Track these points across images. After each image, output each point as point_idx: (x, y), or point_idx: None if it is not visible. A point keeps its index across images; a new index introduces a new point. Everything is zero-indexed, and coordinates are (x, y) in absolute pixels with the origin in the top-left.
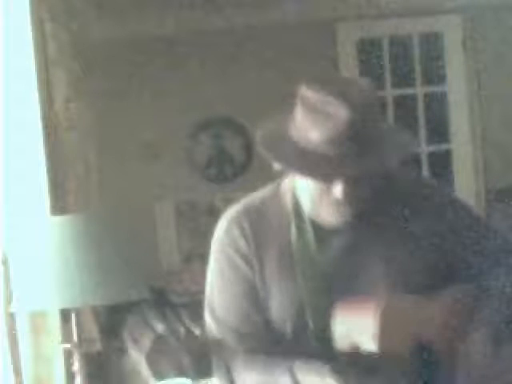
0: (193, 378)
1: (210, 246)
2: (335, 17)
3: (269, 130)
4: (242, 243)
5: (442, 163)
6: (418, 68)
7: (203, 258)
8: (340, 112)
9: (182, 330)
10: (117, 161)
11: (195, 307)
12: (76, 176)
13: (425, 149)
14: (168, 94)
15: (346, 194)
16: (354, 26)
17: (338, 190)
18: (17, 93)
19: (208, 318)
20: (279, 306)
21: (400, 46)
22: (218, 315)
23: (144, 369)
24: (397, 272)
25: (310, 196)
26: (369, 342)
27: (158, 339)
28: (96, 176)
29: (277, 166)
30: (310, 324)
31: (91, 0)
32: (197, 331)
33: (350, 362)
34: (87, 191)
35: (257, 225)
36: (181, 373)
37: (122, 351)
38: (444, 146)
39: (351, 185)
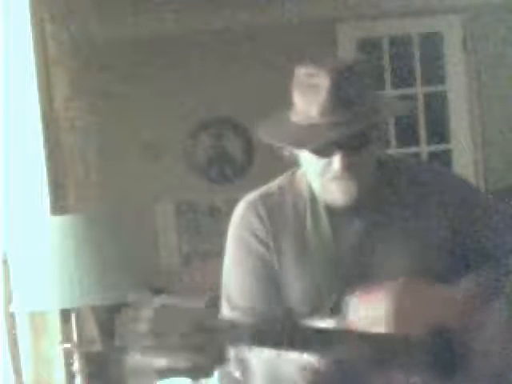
0: (193, 378)
1: (210, 246)
2: (335, 17)
3: (269, 119)
4: (259, 228)
5: (441, 163)
6: (418, 68)
7: (203, 258)
8: (322, 80)
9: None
10: (117, 161)
11: None
12: (76, 176)
13: (425, 149)
14: (168, 94)
15: (345, 166)
16: (354, 26)
17: (335, 161)
18: (17, 93)
19: (224, 304)
20: (296, 292)
21: (400, 45)
22: (234, 299)
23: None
24: (412, 257)
25: (316, 176)
26: (384, 324)
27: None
28: (96, 176)
29: (285, 151)
30: (327, 310)
31: (91, 0)
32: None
33: (364, 345)
34: (87, 191)
35: (273, 211)
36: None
37: (122, 351)
38: (444, 146)
39: (348, 156)
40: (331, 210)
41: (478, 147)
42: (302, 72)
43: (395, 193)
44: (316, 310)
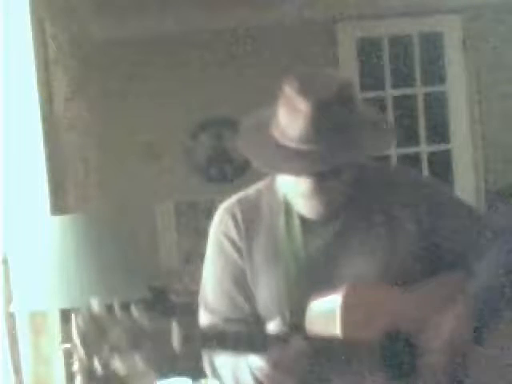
0: (193, 378)
1: None
2: (335, 17)
3: (250, 128)
4: (232, 231)
5: (441, 163)
6: (417, 68)
7: (203, 258)
8: (305, 109)
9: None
10: (117, 161)
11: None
12: (76, 176)
13: (425, 149)
14: (168, 94)
15: (313, 189)
16: (354, 26)
17: (305, 186)
18: (17, 93)
19: (200, 306)
20: (263, 296)
21: (400, 45)
22: (208, 301)
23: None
24: (378, 265)
25: (287, 190)
26: (335, 328)
27: (90, 317)
28: (96, 176)
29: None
30: (287, 315)
31: (91, 0)
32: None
33: (319, 348)
34: (87, 191)
35: (249, 214)
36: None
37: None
38: (444, 146)
39: (318, 181)
40: (304, 219)
41: (477, 147)
42: (288, 90)
43: (367, 202)
44: (281, 315)
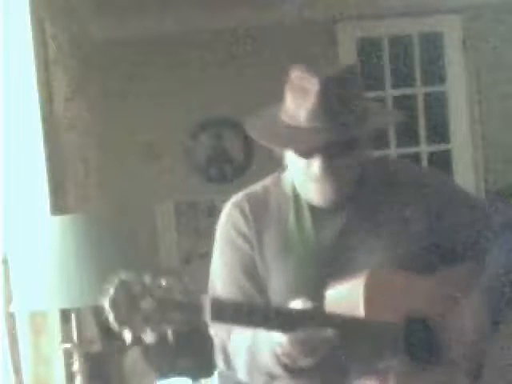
0: (193, 378)
1: (210, 246)
2: (335, 17)
3: (259, 115)
4: (242, 224)
5: (441, 163)
6: (417, 68)
7: (203, 258)
8: (313, 88)
9: (147, 278)
10: (117, 161)
11: None
12: (76, 176)
13: (425, 149)
14: (168, 94)
15: (323, 170)
16: (354, 26)
17: (315, 166)
18: (17, 93)
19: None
20: (276, 287)
21: (400, 45)
22: (218, 294)
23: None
24: (390, 254)
25: (298, 174)
26: (358, 312)
27: (121, 284)
28: (96, 176)
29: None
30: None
31: (91, 0)
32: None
33: (343, 330)
34: (87, 191)
35: (257, 208)
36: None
37: (122, 351)
38: (444, 146)
39: (328, 161)
40: (313, 208)
41: (477, 147)
42: (295, 73)
43: (375, 190)
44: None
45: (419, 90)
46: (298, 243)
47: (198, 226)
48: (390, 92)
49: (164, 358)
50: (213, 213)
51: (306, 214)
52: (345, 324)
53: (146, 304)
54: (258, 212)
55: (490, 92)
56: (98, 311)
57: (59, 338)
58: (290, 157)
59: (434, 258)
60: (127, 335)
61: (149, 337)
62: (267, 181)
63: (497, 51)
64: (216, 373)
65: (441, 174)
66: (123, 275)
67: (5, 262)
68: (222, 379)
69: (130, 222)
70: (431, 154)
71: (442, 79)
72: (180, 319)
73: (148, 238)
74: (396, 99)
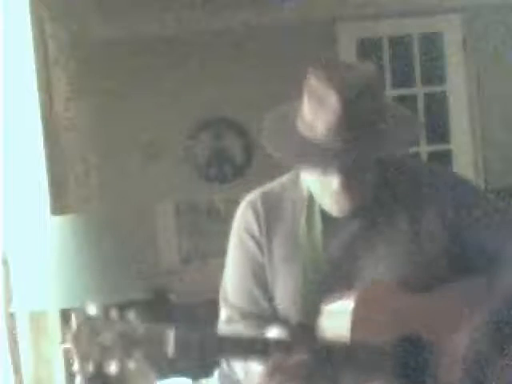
0: (193, 378)
1: (210, 246)
2: (335, 17)
3: (275, 119)
4: (254, 226)
5: (441, 163)
6: (417, 68)
7: (203, 257)
8: (334, 103)
9: (113, 312)
10: (117, 161)
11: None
12: (76, 176)
13: (425, 149)
14: (168, 94)
15: (341, 185)
16: (354, 26)
17: (334, 182)
18: (17, 93)
19: (221, 301)
20: (282, 293)
21: (400, 45)
22: (228, 297)
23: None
24: (400, 266)
25: (313, 186)
26: (347, 331)
27: (84, 319)
28: (96, 176)
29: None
30: (301, 313)
31: (91, 0)
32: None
33: (330, 350)
34: (87, 191)
35: (271, 209)
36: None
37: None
38: (444, 146)
39: (346, 177)
40: (326, 214)
41: (477, 147)
42: (313, 81)
43: (391, 200)
44: (300, 312)
45: (419, 90)
46: (306, 249)
47: (197, 226)
48: (390, 92)
49: (164, 358)
50: (212, 213)
51: (318, 219)
52: (327, 348)
53: (107, 338)
54: (271, 213)
55: (489, 92)
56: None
57: (59, 338)
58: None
59: (445, 272)
60: (90, 366)
61: (112, 368)
62: (285, 179)
63: (497, 51)
64: (216, 373)
65: (462, 180)
66: (89, 308)
67: (5, 262)
68: (222, 379)
69: (130, 222)
70: (431, 154)
71: (442, 79)
72: (142, 354)
73: (148, 238)
74: (396, 99)
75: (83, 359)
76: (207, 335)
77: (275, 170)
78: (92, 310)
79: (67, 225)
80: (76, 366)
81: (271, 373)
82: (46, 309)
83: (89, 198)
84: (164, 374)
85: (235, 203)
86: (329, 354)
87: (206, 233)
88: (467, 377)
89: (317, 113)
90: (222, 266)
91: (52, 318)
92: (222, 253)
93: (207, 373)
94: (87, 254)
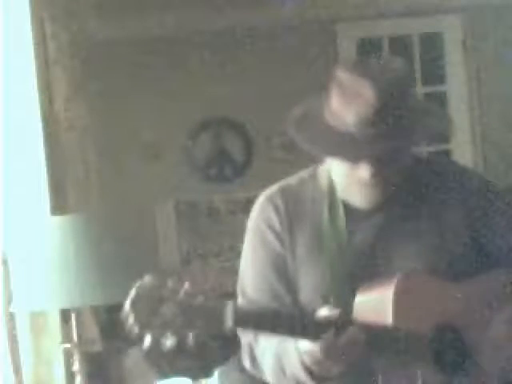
0: (193, 378)
1: (210, 246)
2: (335, 17)
3: (302, 113)
4: (275, 220)
5: None
6: (417, 68)
7: (203, 258)
8: (368, 93)
9: (170, 282)
10: (117, 161)
11: None
12: (76, 176)
13: (425, 148)
14: (168, 94)
15: (373, 175)
16: (354, 26)
17: (364, 171)
18: (17, 93)
19: (238, 296)
20: (306, 287)
21: (400, 45)
22: (247, 291)
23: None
24: (427, 259)
25: (341, 178)
26: (386, 320)
27: (144, 287)
28: (96, 176)
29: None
30: (329, 304)
31: (91, 0)
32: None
33: (371, 338)
34: (87, 191)
35: (291, 204)
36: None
37: (122, 351)
38: (444, 146)
39: (378, 166)
40: (348, 206)
41: (477, 147)
42: (343, 75)
43: (417, 193)
44: (325, 305)
45: (419, 90)
46: (330, 243)
47: (197, 226)
48: None
49: (164, 358)
50: (212, 213)
51: (341, 212)
52: (371, 332)
53: (168, 309)
54: (291, 208)
55: (490, 92)
56: (98, 311)
57: (59, 338)
58: (335, 162)
59: (472, 265)
60: (147, 339)
61: (169, 341)
62: (303, 174)
63: (497, 51)
64: (216, 373)
65: (485, 178)
66: (147, 278)
67: (5, 262)
68: (222, 379)
69: (130, 222)
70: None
71: (442, 79)
72: (201, 325)
73: (148, 238)
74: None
75: (142, 329)
76: (264, 309)
77: (275, 169)
78: (149, 278)
79: (67, 225)
80: (77, 366)
81: (325, 351)
82: (46, 309)
83: (89, 198)
84: (164, 374)
85: (235, 203)
86: (372, 339)
87: (205, 232)
88: (498, 367)
89: (347, 103)
90: (221, 266)
91: (52, 317)
92: (222, 253)
93: (207, 373)
94: (87, 254)
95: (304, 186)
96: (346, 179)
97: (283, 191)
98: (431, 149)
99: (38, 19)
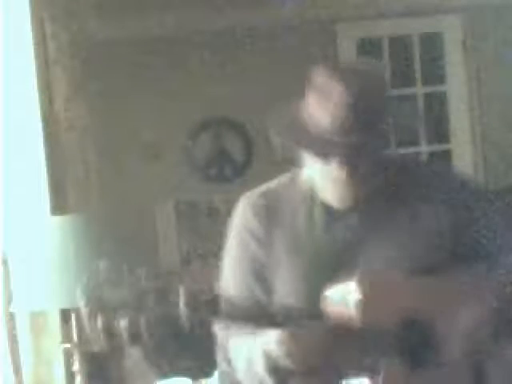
0: (193, 378)
1: (210, 246)
2: (335, 17)
3: (281, 113)
4: (254, 223)
5: (441, 163)
6: (417, 68)
7: (203, 258)
8: (341, 95)
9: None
10: (117, 161)
11: None
12: (76, 176)
13: (425, 149)
14: (168, 94)
15: (346, 174)
16: (354, 26)
17: (336, 170)
18: (17, 93)
19: (221, 299)
20: (284, 287)
21: (400, 45)
22: (226, 293)
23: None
24: (401, 256)
25: (318, 178)
26: (353, 311)
27: (95, 271)
28: (96, 176)
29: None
30: (305, 306)
31: (91, 0)
32: None
33: (339, 334)
34: (87, 191)
35: (271, 206)
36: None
37: (122, 351)
38: (444, 146)
39: (350, 165)
40: (328, 208)
41: (477, 147)
42: (320, 80)
43: (393, 193)
44: (304, 307)
45: (419, 90)
46: (308, 244)
47: (197, 226)
48: (390, 92)
49: (164, 358)
50: (212, 213)
51: (320, 213)
52: (337, 326)
53: (119, 290)
54: (270, 210)
55: (490, 92)
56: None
57: (59, 338)
58: (309, 156)
59: (445, 262)
60: (99, 321)
61: (122, 323)
62: (284, 178)
63: (497, 51)
64: (216, 373)
65: (462, 180)
66: (100, 263)
67: (5, 262)
68: (222, 379)
69: (130, 222)
70: (431, 154)
71: (441, 79)
72: (153, 307)
73: (148, 237)
74: (396, 99)
75: (92, 311)
76: (218, 296)
77: (275, 169)
78: (102, 264)
79: (67, 225)
80: (77, 366)
81: (286, 340)
82: (46, 309)
83: (89, 198)
84: (164, 374)
85: (235, 203)
86: (338, 336)
87: (205, 233)
88: (468, 355)
89: (323, 106)
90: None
91: (52, 318)
92: (222, 253)
93: (207, 373)
94: (87, 254)
95: (284, 189)
96: (322, 179)
97: (263, 194)
98: (431, 149)
99: (38, 19)
